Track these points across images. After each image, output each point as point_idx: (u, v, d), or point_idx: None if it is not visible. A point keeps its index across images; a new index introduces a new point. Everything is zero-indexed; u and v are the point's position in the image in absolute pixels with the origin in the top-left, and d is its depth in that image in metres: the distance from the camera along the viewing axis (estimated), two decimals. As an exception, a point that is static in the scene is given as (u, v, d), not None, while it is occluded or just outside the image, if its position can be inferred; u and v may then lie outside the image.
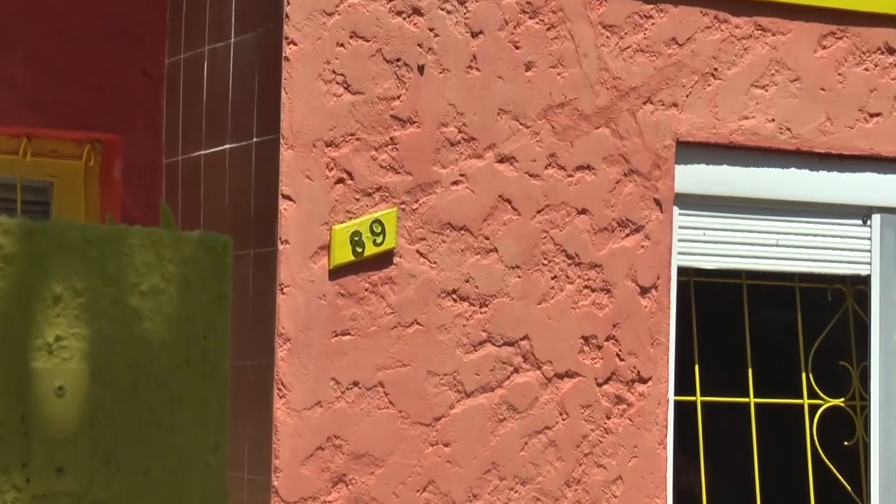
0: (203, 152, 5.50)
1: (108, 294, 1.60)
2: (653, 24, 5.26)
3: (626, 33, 5.31)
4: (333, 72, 4.86)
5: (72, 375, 1.58)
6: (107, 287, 1.59)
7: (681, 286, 5.51)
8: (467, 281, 5.06)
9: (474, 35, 5.08)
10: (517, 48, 5.11)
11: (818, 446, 5.82)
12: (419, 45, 4.97)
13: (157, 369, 1.63)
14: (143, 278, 1.60)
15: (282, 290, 4.83)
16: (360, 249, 4.88)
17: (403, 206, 4.97)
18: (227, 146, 5.31)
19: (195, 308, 1.69)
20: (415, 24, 5.00)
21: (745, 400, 5.75)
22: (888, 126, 5.85)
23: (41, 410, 1.54)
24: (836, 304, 5.91)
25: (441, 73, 4.99)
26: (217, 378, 1.73)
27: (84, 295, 1.57)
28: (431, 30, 5.00)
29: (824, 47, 5.65)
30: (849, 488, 5.85)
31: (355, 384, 4.83)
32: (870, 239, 5.66)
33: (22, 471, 1.55)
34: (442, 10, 5.01)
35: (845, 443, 5.85)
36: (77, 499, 1.65)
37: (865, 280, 5.73)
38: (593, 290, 5.25)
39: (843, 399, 5.82)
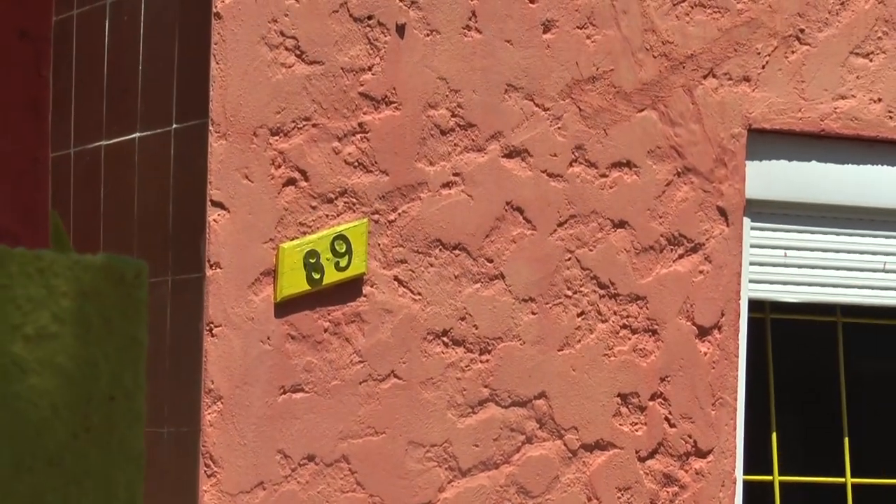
0: (104, 143, 5.49)
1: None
2: None
3: None
4: (281, 33, 4.88)
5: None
6: (-27, 332, 2.09)
7: (753, 325, 5.59)
8: (463, 318, 5.09)
9: None
10: (532, 2, 5.02)
11: None
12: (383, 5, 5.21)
13: (46, 441, 1.29)
14: (28, 318, 1.26)
15: (211, 330, 4.85)
16: (317, 276, 4.86)
17: (377, 216, 5.00)
18: (137, 135, 5.28)
19: (98, 358, 1.40)
20: None
21: (841, 480, 5.81)
22: None
23: None
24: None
25: (428, 35, 5.06)
26: (127, 451, 1.58)
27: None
28: None
29: None
30: None
31: (310, 458, 4.85)
32: None
33: None
34: None
35: None
36: None
37: None
38: (634, 332, 5.32)
39: None
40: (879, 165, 5.85)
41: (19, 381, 1.55)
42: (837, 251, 5.69)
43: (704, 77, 5.38)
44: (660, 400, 5.31)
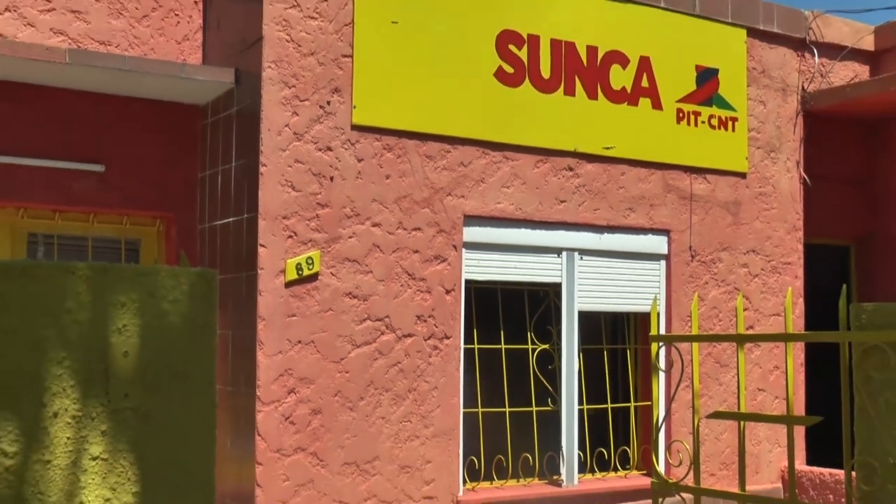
0: (218, 222, 8.52)
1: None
2: (449, 153, 8.52)
3: (438, 159, 8.53)
4: (286, 180, 7.85)
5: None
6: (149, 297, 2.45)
7: (466, 290, 8.71)
8: (357, 287, 8.20)
9: (359, 160, 8.14)
10: (381, 167, 8.18)
11: (537, 372, 9.16)
12: (331, 165, 7.97)
13: (153, 393, 2.46)
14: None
15: (260, 293, 7.71)
16: (300, 273, 7.86)
17: (323, 249, 7.98)
18: (230, 219, 8.29)
19: (184, 335, 2.51)
20: (327, 154, 7.94)
21: (498, 346, 9.06)
22: (573, 205, 9.19)
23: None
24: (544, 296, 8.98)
25: (343, 179, 8.09)
26: (203, 404, 2.55)
27: (136, 302, 2.39)
28: (337, 158, 7.99)
29: (538, 167, 9.06)
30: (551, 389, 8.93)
31: (299, 342, 7.83)
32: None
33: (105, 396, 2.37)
34: (342, 148, 8.02)
35: (549, 366, 8.99)
36: (133, 411, 2.47)
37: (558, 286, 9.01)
38: (421, 291, 8.48)
39: (548, 347, 9.13)
40: (511, 230, 8.94)
41: (123, 347, 2.37)
42: (496, 261, 8.88)
43: (447, 196, 8.42)
44: (431, 318, 8.43)
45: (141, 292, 2.45)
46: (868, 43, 11.39)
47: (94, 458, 2.38)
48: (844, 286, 3.55)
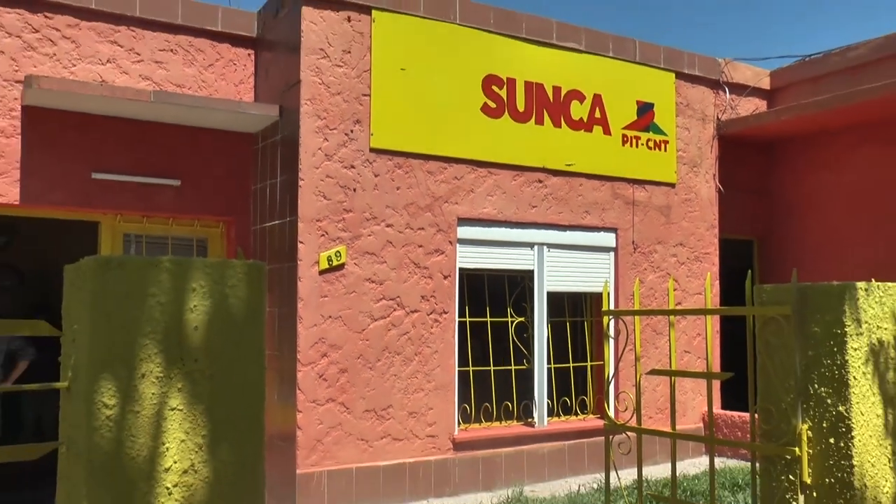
0: (267, 224, 8.42)
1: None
2: (446, 169, 8.36)
3: (437, 174, 8.33)
4: (319, 191, 7.74)
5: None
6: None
7: (460, 276, 8.58)
8: (375, 274, 8.08)
9: (375, 175, 7.99)
10: (393, 180, 8.11)
11: (515, 339, 8.99)
12: (353, 180, 7.83)
13: (215, 357, 2.46)
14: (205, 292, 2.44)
15: (300, 279, 7.62)
16: (330, 263, 7.74)
17: (348, 245, 7.87)
18: (276, 222, 8.18)
19: (239, 315, 2.50)
20: (351, 171, 7.89)
21: (484, 319, 8.86)
22: (542, 209, 9.00)
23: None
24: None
25: (363, 190, 8.02)
26: (254, 366, 2.48)
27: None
28: (359, 174, 7.94)
29: (515, 179, 8.97)
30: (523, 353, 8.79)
31: (330, 317, 7.72)
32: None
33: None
34: (363, 166, 7.91)
35: (524, 335, 8.83)
36: (202, 373, 2.45)
37: (531, 273, 8.90)
38: (425, 277, 8.34)
39: (523, 320, 8.97)
40: (497, 228, 8.55)
41: (193, 327, 2.32)
42: (483, 255, 8.65)
43: (444, 203, 8.17)
44: (433, 297, 8.16)
45: (207, 280, 2.44)
46: (766, 83, 11.42)
47: (172, 409, 2.39)
48: (749, 271, 3.57)
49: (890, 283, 3.26)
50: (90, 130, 7.73)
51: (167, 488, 2.34)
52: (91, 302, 2.30)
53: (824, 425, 3.03)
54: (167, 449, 2.35)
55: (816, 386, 3.08)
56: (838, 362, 3.09)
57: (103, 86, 7.34)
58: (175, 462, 2.36)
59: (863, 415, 3.05)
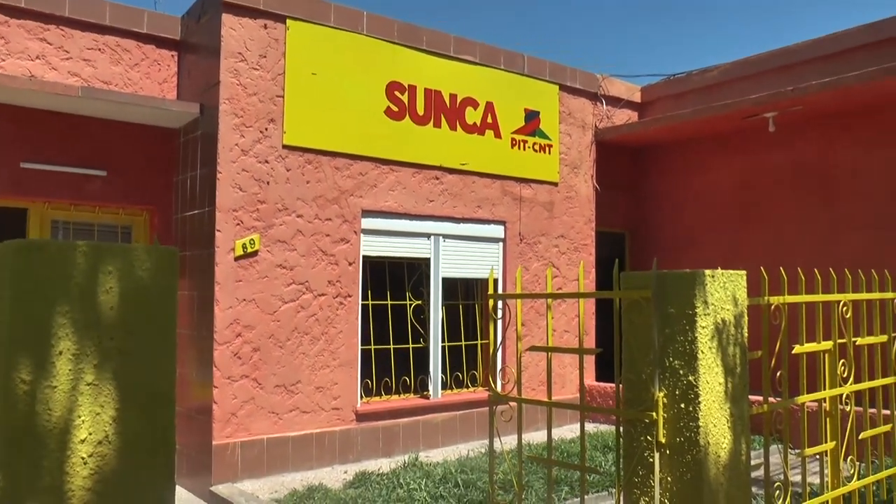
0: (188, 213, 8.16)
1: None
2: (352, 166, 8.22)
3: (344, 170, 8.14)
4: (236, 183, 7.54)
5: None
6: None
7: (363, 263, 8.47)
8: (286, 260, 7.89)
9: (287, 170, 7.73)
10: (303, 175, 8.05)
11: (413, 320, 8.87)
12: (267, 174, 7.63)
13: (132, 334, 2.36)
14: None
15: (217, 265, 7.41)
16: (245, 250, 7.57)
17: (262, 233, 7.68)
18: (196, 211, 7.94)
19: (151, 298, 2.40)
20: (265, 165, 7.62)
21: (385, 302, 8.80)
22: (439, 203, 8.82)
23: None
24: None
25: (276, 183, 7.72)
26: (165, 344, 2.38)
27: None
28: (272, 168, 7.71)
29: (414, 176, 8.87)
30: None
31: (244, 299, 7.52)
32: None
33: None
34: (276, 161, 7.57)
35: (421, 316, 8.78)
36: (117, 350, 2.37)
37: (427, 261, 8.84)
38: (331, 264, 8.22)
39: (420, 302, 8.97)
40: (400, 220, 8.20)
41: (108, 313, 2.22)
42: (386, 244, 8.37)
43: (350, 196, 7.84)
44: (339, 283, 7.89)
45: (123, 263, 2.36)
46: (637, 97, 11.50)
47: (88, 384, 2.30)
48: (617, 260, 3.68)
49: (731, 271, 3.39)
50: (21, 123, 7.44)
51: (82, 458, 2.26)
52: (11, 282, 2.19)
53: (677, 392, 3.15)
54: (83, 421, 2.27)
55: (671, 359, 3.19)
56: (689, 338, 3.19)
57: (32, 80, 7.08)
58: (90, 434, 2.27)
59: (708, 383, 3.19)
